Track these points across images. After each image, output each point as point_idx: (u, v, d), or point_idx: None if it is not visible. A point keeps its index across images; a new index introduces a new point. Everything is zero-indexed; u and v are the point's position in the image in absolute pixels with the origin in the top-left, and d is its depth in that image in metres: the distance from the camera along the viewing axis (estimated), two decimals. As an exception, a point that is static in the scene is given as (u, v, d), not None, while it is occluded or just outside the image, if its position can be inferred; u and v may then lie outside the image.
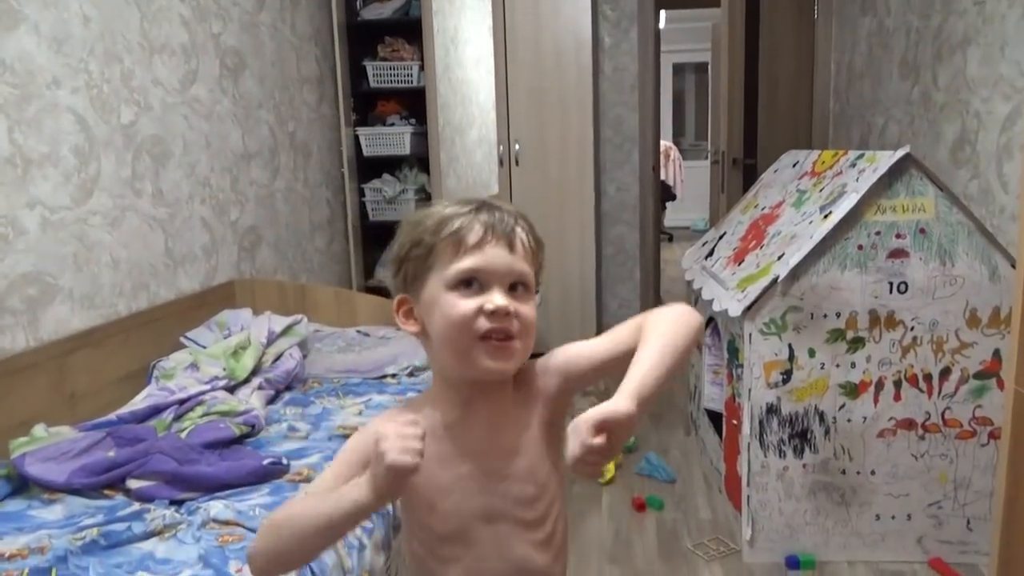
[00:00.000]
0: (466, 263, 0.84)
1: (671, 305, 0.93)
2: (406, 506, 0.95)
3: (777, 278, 2.06)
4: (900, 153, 2.02)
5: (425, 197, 4.13)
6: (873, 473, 2.13)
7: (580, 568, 2.17)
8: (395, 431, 0.77)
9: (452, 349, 0.85)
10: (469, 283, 0.84)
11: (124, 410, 1.94)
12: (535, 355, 0.92)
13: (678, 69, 9.78)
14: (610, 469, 2.69)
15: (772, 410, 2.13)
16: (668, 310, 0.92)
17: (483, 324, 0.83)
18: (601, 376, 0.94)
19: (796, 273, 2.06)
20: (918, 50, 2.86)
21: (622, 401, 0.77)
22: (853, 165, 2.23)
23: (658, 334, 0.87)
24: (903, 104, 3.00)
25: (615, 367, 0.90)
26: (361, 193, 4.01)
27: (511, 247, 0.85)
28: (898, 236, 2.05)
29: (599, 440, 0.74)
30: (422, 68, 3.85)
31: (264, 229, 3.04)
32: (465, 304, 0.83)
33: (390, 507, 1.65)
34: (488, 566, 0.90)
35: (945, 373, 2.08)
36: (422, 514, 0.91)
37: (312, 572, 1.38)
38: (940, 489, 2.13)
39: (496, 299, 0.82)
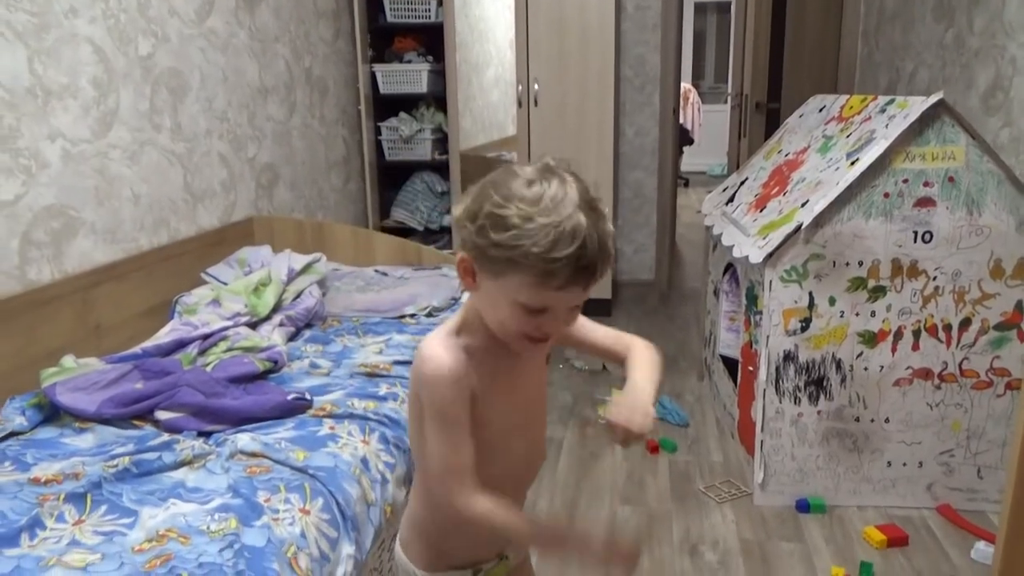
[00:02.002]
0: (542, 300, 0.87)
1: (645, 344, 1.10)
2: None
3: (801, 225, 2.04)
4: (933, 99, 1.98)
5: (442, 137, 4.07)
6: (887, 421, 2.15)
7: (594, 508, 2.22)
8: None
9: (496, 332, 0.94)
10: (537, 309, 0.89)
11: (149, 343, 1.97)
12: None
13: (700, 8, 9.51)
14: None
15: (789, 357, 2.14)
16: (649, 349, 1.10)
17: (528, 332, 0.91)
18: (579, 350, 1.14)
19: (819, 220, 2.04)
20: (955, -9, 2.77)
21: (648, 423, 0.96)
22: (883, 111, 2.19)
23: (650, 366, 1.07)
24: (935, 48, 2.92)
25: (593, 352, 1.12)
26: (377, 132, 3.97)
27: (587, 288, 0.88)
28: (926, 184, 2.02)
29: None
30: (440, 3, 3.76)
31: (281, 166, 3.02)
32: (521, 323, 0.90)
33: (408, 442, 1.67)
34: (521, 455, 1.09)
35: (965, 324, 2.08)
36: (477, 427, 0.99)
37: (337, 503, 1.42)
38: (953, 438, 2.15)
39: (547, 330, 0.92)
